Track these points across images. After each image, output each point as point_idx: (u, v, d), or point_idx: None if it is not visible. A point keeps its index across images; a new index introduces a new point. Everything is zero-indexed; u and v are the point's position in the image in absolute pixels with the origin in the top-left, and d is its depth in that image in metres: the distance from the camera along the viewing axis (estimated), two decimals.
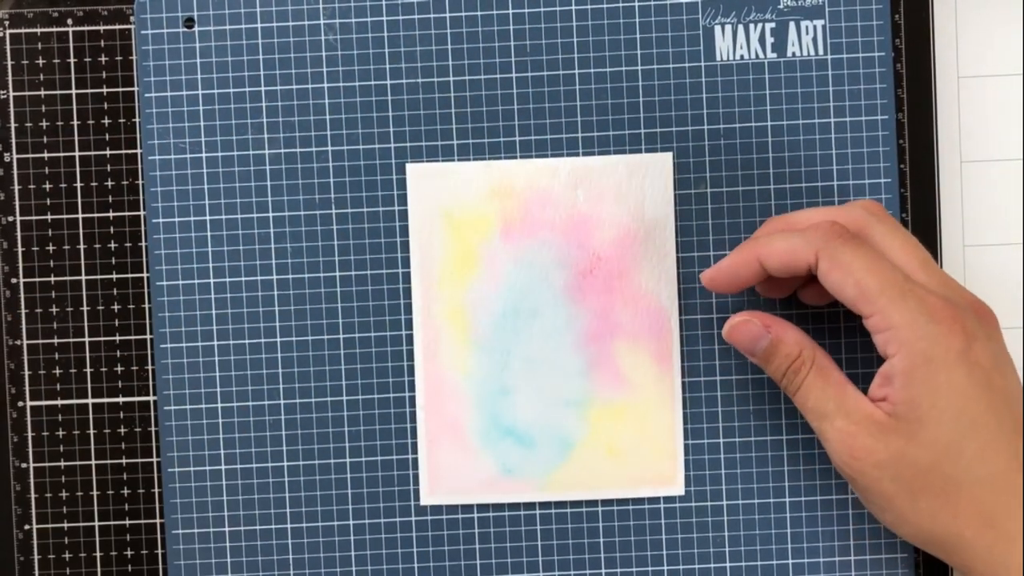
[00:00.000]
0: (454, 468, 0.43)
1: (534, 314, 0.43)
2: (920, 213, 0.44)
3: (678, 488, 0.43)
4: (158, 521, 0.45)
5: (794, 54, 0.43)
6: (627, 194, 0.43)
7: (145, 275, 0.45)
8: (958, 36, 0.45)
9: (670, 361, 0.43)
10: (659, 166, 0.43)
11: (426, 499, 0.43)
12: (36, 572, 0.44)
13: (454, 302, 0.43)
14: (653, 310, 0.43)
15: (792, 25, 0.43)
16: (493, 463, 0.43)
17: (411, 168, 0.43)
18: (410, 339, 0.43)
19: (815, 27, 0.43)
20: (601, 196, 0.43)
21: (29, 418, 0.45)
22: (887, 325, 0.36)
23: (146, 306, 0.45)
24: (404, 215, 0.43)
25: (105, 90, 0.45)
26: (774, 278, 0.40)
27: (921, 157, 0.44)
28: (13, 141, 0.45)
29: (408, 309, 0.43)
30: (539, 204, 0.43)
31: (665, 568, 0.44)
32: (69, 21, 0.45)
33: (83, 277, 0.45)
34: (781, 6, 0.43)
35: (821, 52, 0.43)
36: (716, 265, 0.40)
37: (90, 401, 0.45)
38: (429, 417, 0.43)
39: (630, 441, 0.43)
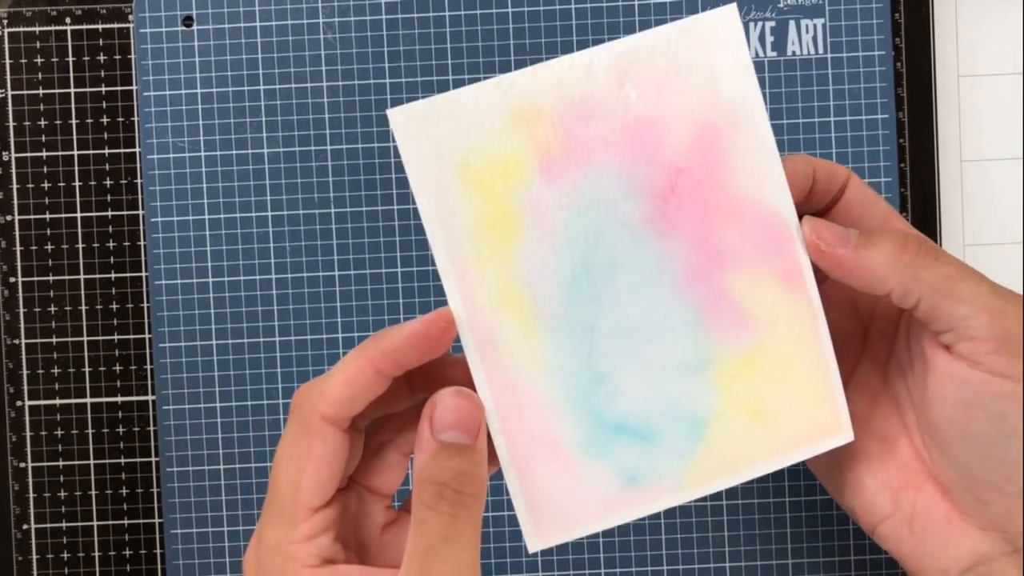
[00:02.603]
0: (561, 495, 0.32)
1: (613, 266, 0.32)
2: (920, 212, 0.44)
3: (846, 434, 0.33)
4: (157, 521, 0.45)
5: (794, 53, 0.43)
6: (691, 74, 0.31)
7: (144, 274, 0.44)
8: (958, 35, 0.45)
9: (801, 277, 0.32)
10: (723, 25, 0.31)
11: (535, 544, 0.32)
12: (35, 572, 0.44)
13: (503, 280, 0.32)
14: (765, 218, 0.32)
15: (792, 24, 0.43)
16: (610, 474, 0.32)
17: (395, 115, 0.31)
18: None
19: (815, 26, 0.43)
20: (658, 86, 0.31)
21: (27, 417, 0.45)
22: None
23: (145, 305, 0.44)
24: (404, 214, 0.43)
25: (104, 89, 0.45)
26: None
27: (921, 156, 0.44)
28: (12, 140, 0.44)
29: (409, 308, 0.43)
30: (580, 119, 0.31)
31: (665, 568, 0.43)
32: (68, 20, 0.44)
33: (82, 276, 0.45)
34: (781, 5, 0.43)
35: (821, 51, 0.43)
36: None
37: (88, 400, 0.45)
38: (512, 439, 0.32)
39: (774, 395, 0.32)
